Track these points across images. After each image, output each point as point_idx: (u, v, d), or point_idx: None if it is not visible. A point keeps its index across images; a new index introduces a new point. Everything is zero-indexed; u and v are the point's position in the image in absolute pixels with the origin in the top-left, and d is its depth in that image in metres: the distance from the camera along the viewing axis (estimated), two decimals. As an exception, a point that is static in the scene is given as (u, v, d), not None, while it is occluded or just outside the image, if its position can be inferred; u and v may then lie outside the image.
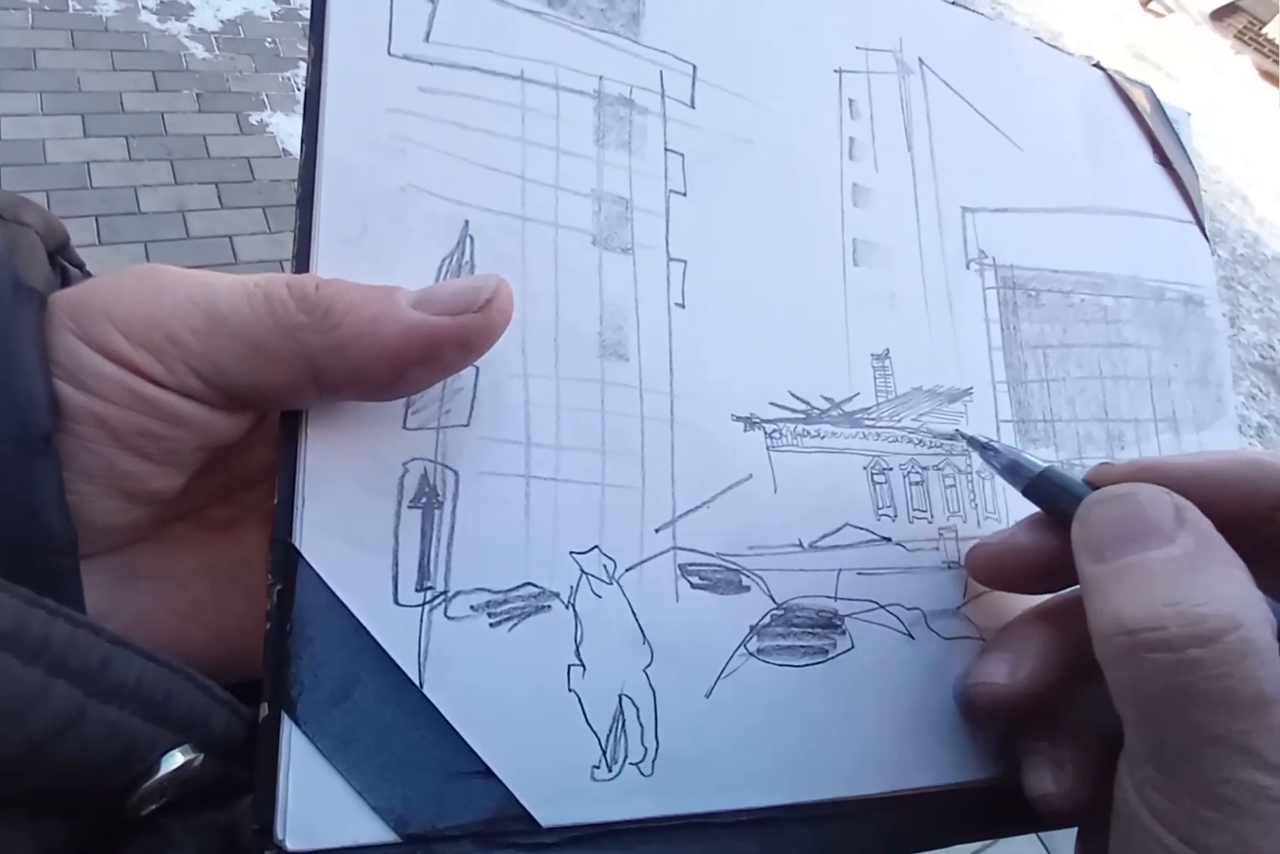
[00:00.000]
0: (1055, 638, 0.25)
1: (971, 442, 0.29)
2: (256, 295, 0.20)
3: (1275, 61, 3.74)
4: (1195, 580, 0.20)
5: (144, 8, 2.14)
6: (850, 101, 0.32)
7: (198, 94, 1.99)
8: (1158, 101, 0.42)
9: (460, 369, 0.22)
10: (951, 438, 0.30)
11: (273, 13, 2.25)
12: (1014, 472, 0.27)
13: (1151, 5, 3.95)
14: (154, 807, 0.19)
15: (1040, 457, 0.33)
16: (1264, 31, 3.71)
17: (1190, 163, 0.42)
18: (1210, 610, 0.19)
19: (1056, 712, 0.26)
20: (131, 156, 1.81)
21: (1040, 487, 0.26)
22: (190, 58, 2.07)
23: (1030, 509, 0.27)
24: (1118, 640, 0.20)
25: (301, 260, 0.22)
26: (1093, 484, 0.25)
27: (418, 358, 0.20)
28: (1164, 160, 0.41)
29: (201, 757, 0.19)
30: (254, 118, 1.99)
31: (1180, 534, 0.21)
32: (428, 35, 0.25)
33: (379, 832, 0.19)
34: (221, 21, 2.19)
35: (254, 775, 0.19)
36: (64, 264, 0.23)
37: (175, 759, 0.18)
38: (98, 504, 0.19)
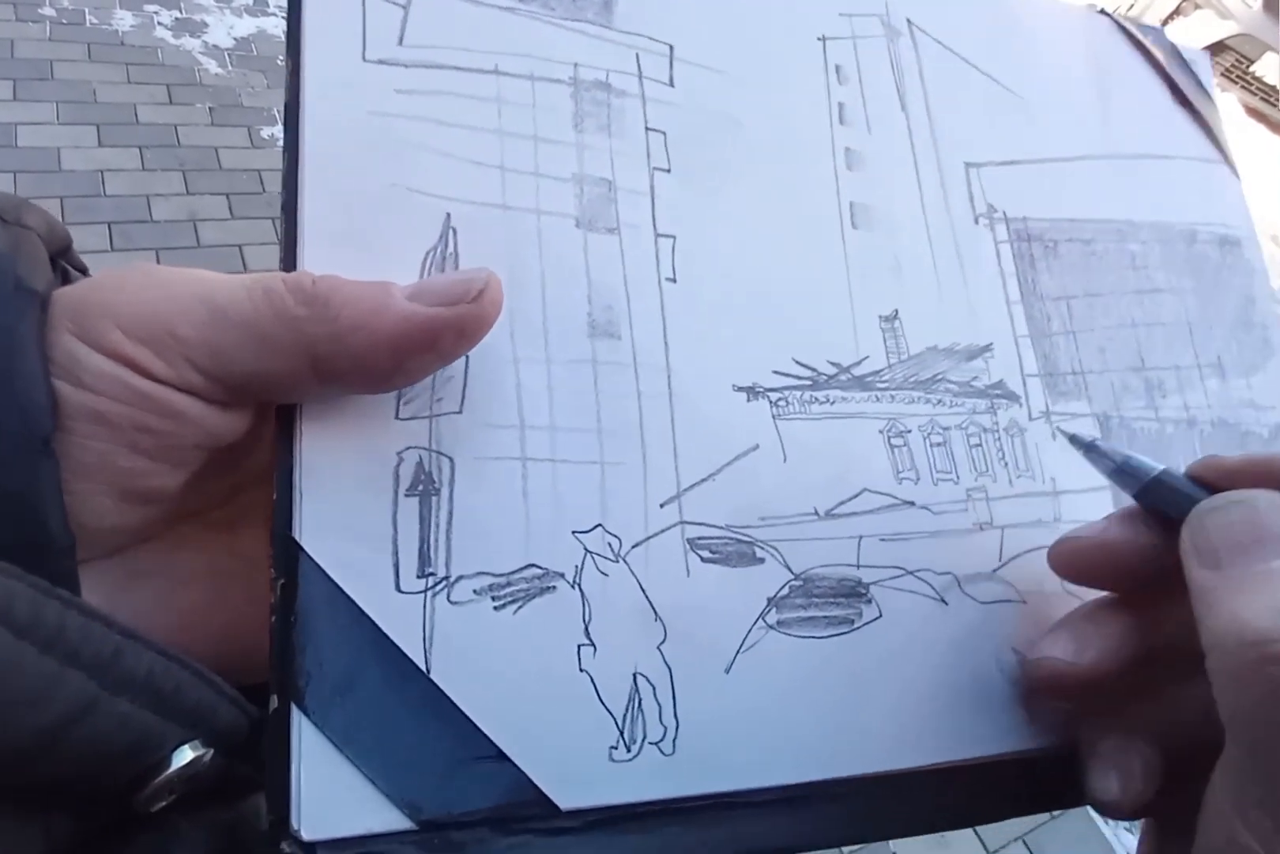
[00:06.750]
0: (1132, 626, 0.24)
1: (1075, 441, 0.26)
2: (255, 289, 0.20)
3: (1262, 98, 3.65)
4: None
5: (160, 24, 2.21)
6: (836, 67, 0.32)
7: (210, 108, 2.04)
8: (1169, 44, 0.41)
9: (457, 357, 0.22)
10: (980, 396, 0.29)
11: (285, 31, 2.35)
12: (1124, 474, 0.25)
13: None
14: (163, 803, 0.19)
15: (1074, 410, 0.31)
16: (1251, 69, 3.61)
17: (1212, 101, 0.40)
18: None
19: (1129, 709, 0.24)
20: (145, 166, 1.86)
21: (1154, 491, 0.24)
22: (204, 73, 2.13)
23: (1077, 472, 0.25)
24: (1240, 652, 0.19)
25: (288, 265, 0.22)
26: (1202, 480, 0.23)
27: (416, 346, 0.21)
28: (1184, 101, 0.40)
29: (211, 752, 0.19)
30: (265, 132, 2.02)
31: None
32: (401, 39, 0.25)
33: (394, 819, 0.19)
34: (235, 39, 2.24)
35: (266, 769, 0.19)
36: (66, 267, 0.24)
37: (186, 754, 0.18)
38: (95, 503, 0.20)
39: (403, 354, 0.21)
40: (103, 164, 1.84)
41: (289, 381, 0.20)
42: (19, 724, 0.16)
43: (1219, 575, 0.20)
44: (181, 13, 2.28)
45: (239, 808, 0.20)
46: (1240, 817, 0.18)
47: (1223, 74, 3.70)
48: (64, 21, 2.12)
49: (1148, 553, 0.23)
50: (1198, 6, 3.55)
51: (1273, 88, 3.62)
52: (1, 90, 1.90)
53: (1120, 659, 0.23)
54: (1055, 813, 1.30)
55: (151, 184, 1.84)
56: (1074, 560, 0.25)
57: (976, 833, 1.27)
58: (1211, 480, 0.23)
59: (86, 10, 2.17)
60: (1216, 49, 3.62)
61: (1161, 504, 0.24)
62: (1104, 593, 0.26)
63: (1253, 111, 3.73)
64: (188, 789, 0.19)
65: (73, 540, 0.19)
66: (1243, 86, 3.71)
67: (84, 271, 0.25)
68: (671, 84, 0.28)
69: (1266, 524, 0.20)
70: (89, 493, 0.19)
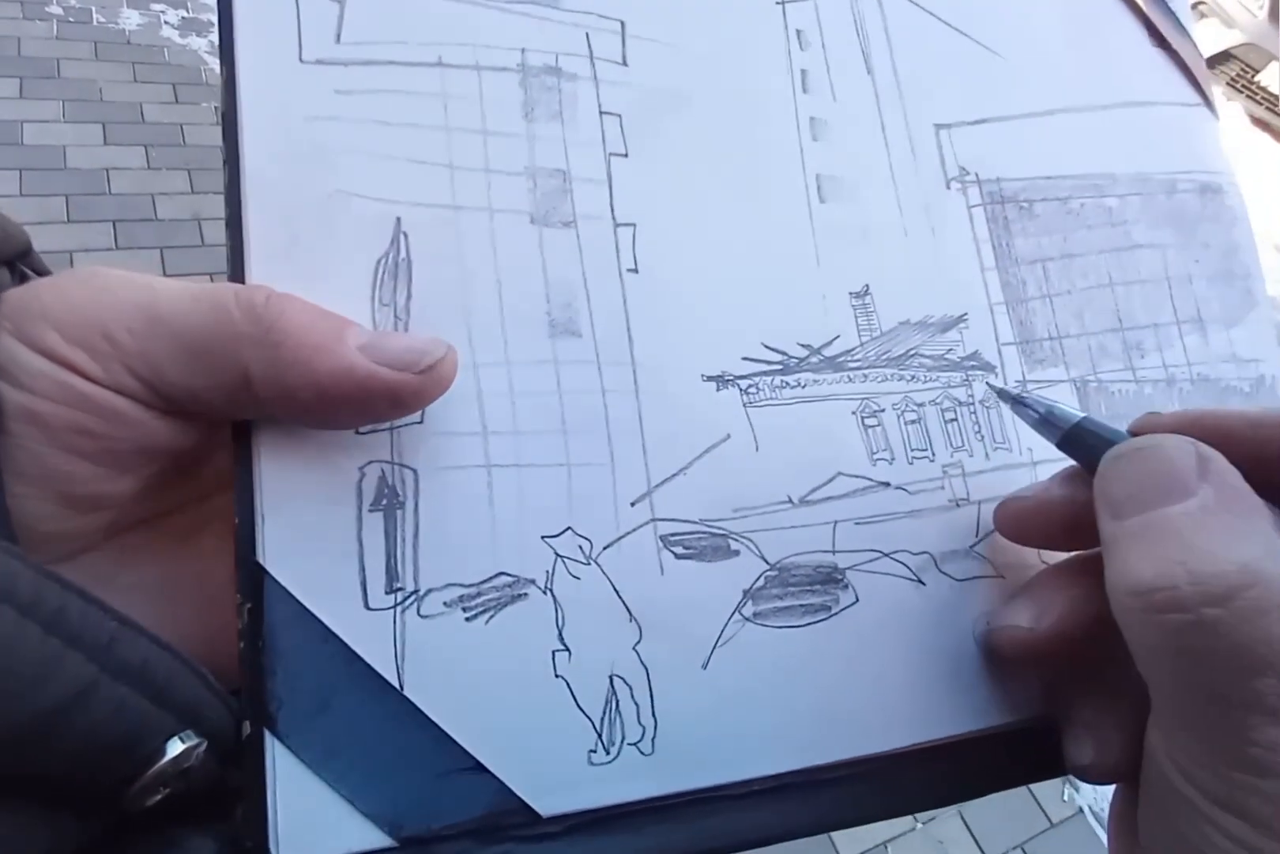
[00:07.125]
0: (1088, 588, 0.24)
1: (1002, 394, 0.27)
2: (202, 300, 0.20)
3: (1267, 108, 3.54)
4: (1210, 536, 0.19)
5: (166, 23, 2.19)
6: (798, 32, 0.31)
7: (216, 107, 2.02)
8: (1146, -20, 0.39)
9: (390, 420, 0.22)
10: (955, 368, 0.29)
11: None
12: (1048, 424, 0.25)
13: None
14: (157, 798, 0.18)
15: (1051, 377, 0.31)
16: (1256, 79, 3.50)
17: (1192, 41, 0.39)
18: (1223, 568, 0.18)
19: (1104, 674, 0.24)
20: (150, 165, 1.85)
21: (1077, 438, 0.24)
22: (210, 72, 2.10)
23: (1046, 441, 0.25)
24: (1129, 602, 0.19)
25: (236, 281, 0.22)
26: (1136, 435, 0.23)
27: (347, 400, 0.20)
28: (1162, 42, 0.38)
29: (204, 745, 0.19)
30: (270, 132, 2.05)
31: (1202, 487, 0.20)
32: (338, 36, 0.24)
33: (374, 838, 0.19)
34: (241, 39, 2.25)
35: (245, 791, 0.19)
36: (24, 271, 0.23)
37: (176, 745, 0.18)
38: (36, 507, 0.19)
39: (331, 403, 0.20)
40: (108, 162, 1.83)
41: (226, 398, 0.20)
42: (20, 705, 0.16)
43: (1120, 525, 0.20)
44: (188, 12, 2.25)
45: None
46: (1172, 762, 0.19)
47: (1228, 83, 3.63)
48: (71, 20, 2.10)
49: (1088, 509, 0.23)
50: (1203, 16, 3.45)
51: (1278, 97, 3.53)
52: (8, 88, 1.89)
53: (1081, 622, 0.23)
54: (1055, 821, 1.28)
55: (156, 182, 1.83)
56: (1016, 521, 0.25)
57: (975, 840, 1.28)
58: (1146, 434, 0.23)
59: (93, 9, 2.14)
60: (1221, 58, 3.56)
61: (1086, 454, 0.24)
62: (1069, 555, 0.26)
63: (1258, 121, 3.65)
64: (181, 787, 0.19)
65: (14, 543, 0.18)
66: (1248, 96, 3.61)
67: (45, 275, 0.24)
68: (625, 63, 0.27)
69: (1165, 470, 0.20)
70: (29, 496, 0.19)
